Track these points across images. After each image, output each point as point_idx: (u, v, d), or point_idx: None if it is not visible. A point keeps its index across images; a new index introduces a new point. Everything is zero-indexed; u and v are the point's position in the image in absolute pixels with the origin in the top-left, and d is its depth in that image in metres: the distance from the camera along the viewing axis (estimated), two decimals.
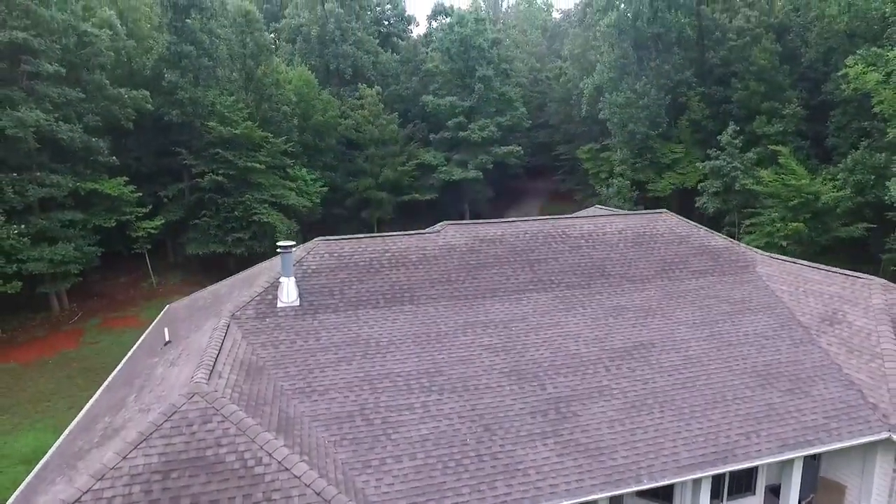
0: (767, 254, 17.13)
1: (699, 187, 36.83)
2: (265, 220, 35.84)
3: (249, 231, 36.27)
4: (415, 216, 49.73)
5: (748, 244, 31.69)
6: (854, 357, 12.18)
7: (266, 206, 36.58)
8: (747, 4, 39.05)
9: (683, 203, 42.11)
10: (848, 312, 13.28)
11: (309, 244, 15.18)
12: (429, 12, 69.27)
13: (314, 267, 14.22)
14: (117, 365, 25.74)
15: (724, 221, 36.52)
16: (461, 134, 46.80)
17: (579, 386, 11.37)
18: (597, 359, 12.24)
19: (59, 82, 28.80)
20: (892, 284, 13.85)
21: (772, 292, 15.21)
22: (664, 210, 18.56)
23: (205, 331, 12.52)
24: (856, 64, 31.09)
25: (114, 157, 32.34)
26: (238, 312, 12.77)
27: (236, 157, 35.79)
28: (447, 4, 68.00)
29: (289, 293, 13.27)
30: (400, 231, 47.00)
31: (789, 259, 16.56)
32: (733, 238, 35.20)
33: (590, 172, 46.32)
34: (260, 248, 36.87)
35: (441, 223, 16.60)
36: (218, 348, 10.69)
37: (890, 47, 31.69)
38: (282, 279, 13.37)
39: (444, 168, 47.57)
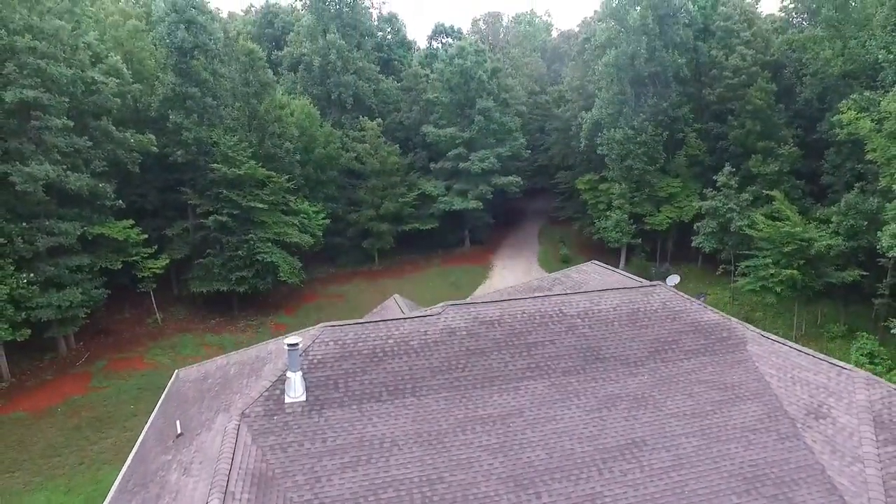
0: (758, 331, 17.68)
1: (695, 227, 37.43)
2: (268, 259, 36.42)
3: (253, 269, 36.86)
4: (415, 244, 50.46)
5: (743, 286, 32.40)
6: (837, 458, 12.71)
7: (269, 244, 37.17)
8: (743, 42, 39.70)
9: (680, 237, 42.77)
10: (833, 407, 13.82)
11: (315, 331, 15.72)
12: (429, 32, 70.15)
13: (320, 357, 14.76)
14: (124, 416, 26.38)
15: (721, 258, 37.14)
16: (461, 165, 47.45)
17: (573, 493, 11.91)
18: (590, 460, 12.77)
19: (67, 132, 29.42)
20: (874, 378, 14.38)
21: (761, 376, 15.74)
22: (659, 283, 19.13)
23: (216, 430, 13.07)
24: (849, 110, 31.71)
25: (120, 201, 32.97)
26: (247, 410, 13.31)
27: (240, 196, 36.40)
28: (447, 24, 68.95)
29: (296, 388, 13.81)
30: (403, 255, 47.62)
31: (780, 340, 17.11)
32: (730, 275, 35.86)
33: (588, 203, 46.95)
34: (263, 287, 37.52)
35: (441, 304, 17.16)
36: (230, 461, 11.24)
37: (883, 92, 32.35)
38: (289, 374, 13.90)
39: (445, 198, 48.19)
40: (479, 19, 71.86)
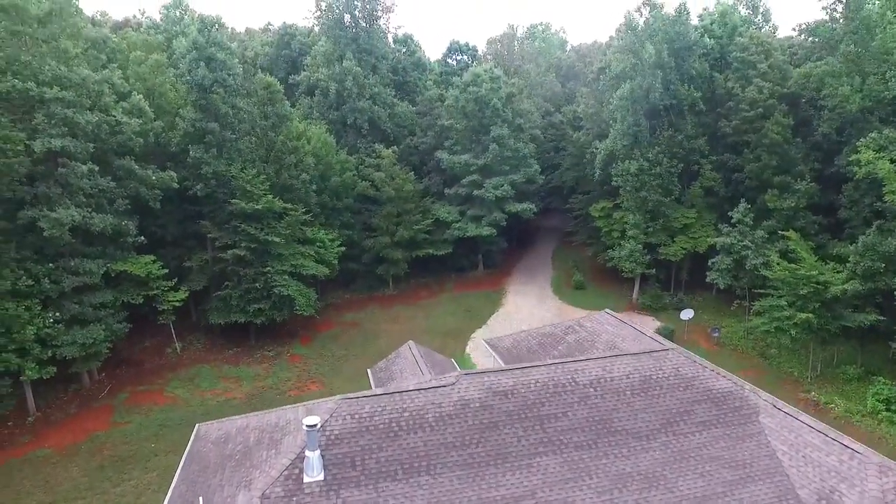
0: (770, 398, 17.75)
1: (710, 262, 37.31)
2: (285, 292, 37.00)
3: (270, 301, 37.46)
4: (429, 268, 50.82)
5: (758, 326, 32.21)
6: None
7: (286, 276, 37.74)
8: (760, 74, 39.53)
9: (695, 266, 42.58)
10: (844, 494, 13.88)
11: (332, 405, 16.11)
12: (445, 49, 70.54)
13: (337, 432, 15.13)
14: (146, 455, 27.00)
15: (736, 294, 37.01)
16: (476, 192, 47.76)
17: None
18: None
19: (92, 174, 30.24)
20: (887, 465, 14.41)
21: (773, 453, 15.82)
22: (672, 348, 19.25)
23: None
24: (867, 149, 31.48)
25: (141, 237, 33.78)
26: (268, 490, 13.74)
27: (258, 230, 37.04)
28: (462, 42, 69.35)
29: (314, 468, 14.20)
30: (417, 280, 47.89)
31: (792, 412, 17.17)
32: (745, 310, 35.67)
33: (602, 230, 46.95)
34: (279, 318, 38.12)
35: (455, 374, 17.46)
36: None
37: None
38: (307, 453, 14.30)
39: (459, 224, 48.52)
40: (496, 39, 72.04)
